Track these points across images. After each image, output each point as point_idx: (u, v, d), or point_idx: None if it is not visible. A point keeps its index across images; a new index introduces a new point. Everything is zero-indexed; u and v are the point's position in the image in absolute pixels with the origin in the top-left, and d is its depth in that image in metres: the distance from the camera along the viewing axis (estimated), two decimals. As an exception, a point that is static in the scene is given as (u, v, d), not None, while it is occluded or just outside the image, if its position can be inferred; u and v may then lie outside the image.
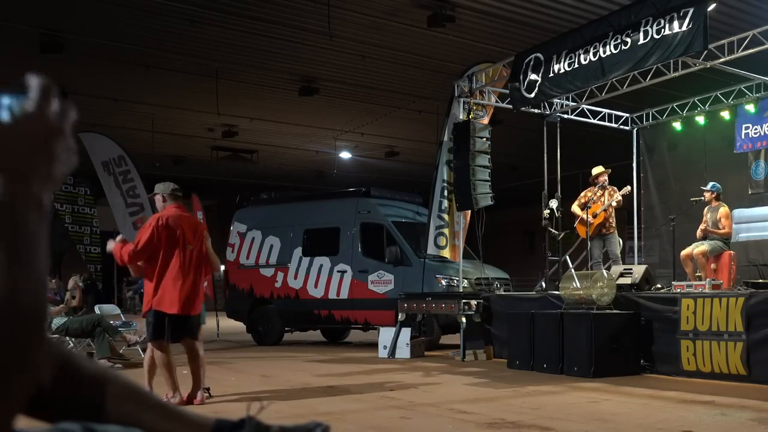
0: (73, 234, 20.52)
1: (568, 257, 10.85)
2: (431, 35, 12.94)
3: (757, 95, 11.65)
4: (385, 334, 10.79)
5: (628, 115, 13.70)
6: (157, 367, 6.41)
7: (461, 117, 11.40)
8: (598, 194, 10.96)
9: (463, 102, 11.50)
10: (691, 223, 10.31)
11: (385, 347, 10.66)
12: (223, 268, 16.01)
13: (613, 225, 11.00)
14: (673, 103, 13.09)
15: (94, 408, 1.09)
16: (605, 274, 9.08)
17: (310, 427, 1.20)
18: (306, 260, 13.36)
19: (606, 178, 11.07)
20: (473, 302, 10.34)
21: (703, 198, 10.08)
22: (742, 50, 9.44)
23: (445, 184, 11.54)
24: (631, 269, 9.74)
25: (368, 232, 12.85)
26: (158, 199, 6.53)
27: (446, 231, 11.54)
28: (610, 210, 10.89)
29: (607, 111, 13.35)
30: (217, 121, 19.13)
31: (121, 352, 10.18)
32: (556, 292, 9.46)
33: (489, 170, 11.17)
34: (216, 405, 6.37)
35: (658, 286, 9.69)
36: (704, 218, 9.95)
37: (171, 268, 6.15)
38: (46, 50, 13.03)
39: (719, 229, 9.68)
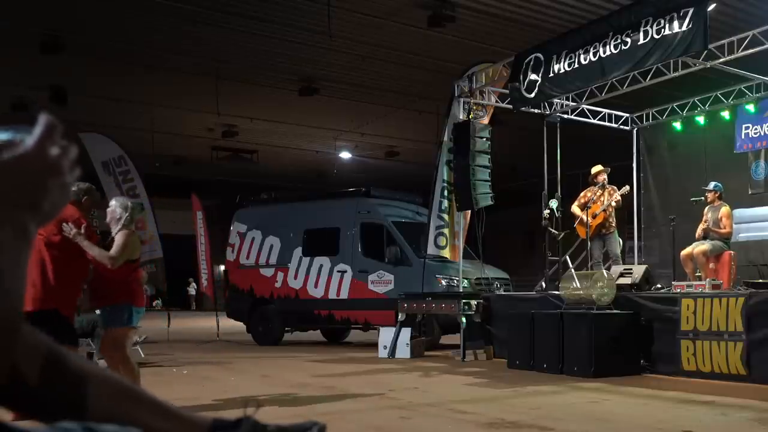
0: (73, 234, 20.49)
1: (568, 257, 10.85)
2: (431, 35, 12.95)
3: (757, 95, 11.64)
4: (385, 334, 10.79)
5: (628, 115, 13.68)
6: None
7: (461, 117, 11.39)
8: (598, 194, 10.93)
9: (463, 102, 11.49)
10: (691, 223, 10.30)
11: (385, 347, 10.66)
12: (222, 268, 16.05)
13: (613, 225, 10.98)
14: (673, 103, 13.07)
15: (80, 405, 1.09)
16: (605, 274, 9.07)
17: (306, 426, 1.20)
18: (306, 260, 13.37)
19: (605, 177, 11.00)
20: (473, 302, 10.34)
21: (703, 198, 10.06)
22: (742, 50, 9.44)
23: (445, 184, 11.53)
24: (631, 269, 9.73)
25: (368, 232, 12.86)
26: None
27: (446, 231, 11.53)
28: (610, 210, 10.87)
29: (607, 111, 13.34)
30: (217, 121, 19.14)
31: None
32: (556, 292, 9.45)
33: (489, 170, 11.16)
34: (215, 405, 6.37)
35: (658, 286, 9.69)
36: (705, 217, 9.94)
37: None
38: (46, 50, 13.04)
39: (720, 228, 9.66)
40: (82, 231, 5.40)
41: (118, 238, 5.67)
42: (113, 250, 5.58)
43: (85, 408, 1.09)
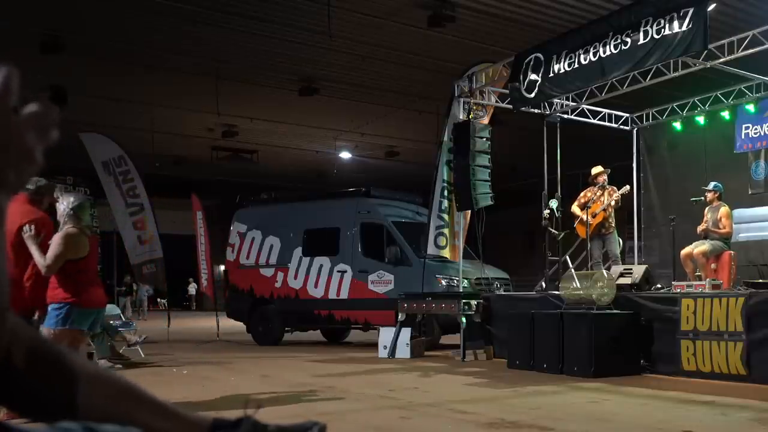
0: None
1: (568, 257, 10.85)
2: (431, 35, 12.94)
3: (757, 95, 11.63)
4: (385, 334, 10.79)
5: (628, 115, 13.68)
6: None
7: (461, 117, 11.39)
8: (598, 194, 10.95)
9: (463, 102, 11.49)
10: (691, 223, 10.30)
11: (385, 347, 10.66)
12: (222, 267, 16.05)
13: (613, 225, 10.99)
14: (673, 103, 13.07)
15: (72, 404, 1.07)
16: (605, 274, 9.07)
17: (306, 426, 1.20)
18: (306, 260, 13.36)
19: (605, 177, 11.04)
20: (473, 302, 10.34)
21: (703, 198, 10.07)
22: (742, 50, 9.43)
23: (445, 184, 11.53)
24: (631, 269, 9.73)
25: (368, 232, 12.86)
26: None
27: (446, 231, 11.53)
28: (609, 210, 10.88)
29: (607, 111, 13.34)
30: (217, 121, 19.14)
31: (121, 352, 10.19)
32: (556, 292, 9.45)
33: (489, 170, 11.15)
34: (215, 405, 6.37)
35: (658, 286, 9.68)
36: (705, 217, 9.94)
37: None
38: (46, 50, 13.03)
39: (720, 228, 9.66)
40: (32, 231, 5.21)
41: (52, 246, 5.32)
42: (47, 258, 5.27)
43: (76, 407, 1.07)
